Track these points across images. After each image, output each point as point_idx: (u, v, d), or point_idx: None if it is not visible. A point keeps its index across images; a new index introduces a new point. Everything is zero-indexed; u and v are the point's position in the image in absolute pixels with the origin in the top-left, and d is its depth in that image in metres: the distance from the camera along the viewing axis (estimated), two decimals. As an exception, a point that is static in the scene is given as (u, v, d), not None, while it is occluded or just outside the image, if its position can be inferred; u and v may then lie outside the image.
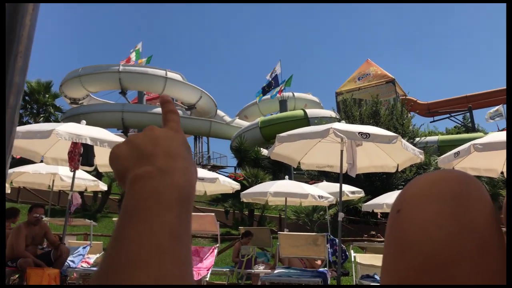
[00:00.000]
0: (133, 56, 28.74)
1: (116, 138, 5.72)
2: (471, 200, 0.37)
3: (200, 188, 9.48)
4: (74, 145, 5.77)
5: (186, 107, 28.85)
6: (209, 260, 6.08)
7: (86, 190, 9.63)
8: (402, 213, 0.38)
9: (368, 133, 5.13)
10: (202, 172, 8.88)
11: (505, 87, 28.42)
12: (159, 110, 26.52)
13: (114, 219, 7.79)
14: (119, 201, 15.14)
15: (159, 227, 0.35)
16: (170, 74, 26.85)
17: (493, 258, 0.34)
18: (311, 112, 23.32)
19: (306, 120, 21.59)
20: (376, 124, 16.01)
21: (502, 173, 6.74)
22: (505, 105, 26.56)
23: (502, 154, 6.34)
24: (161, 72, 26.65)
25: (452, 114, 30.57)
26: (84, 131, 5.44)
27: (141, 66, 27.57)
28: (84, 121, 6.11)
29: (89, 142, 5.31)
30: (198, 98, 28.16)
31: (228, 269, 7.10)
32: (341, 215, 5.42)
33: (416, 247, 0.35)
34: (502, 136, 5.71)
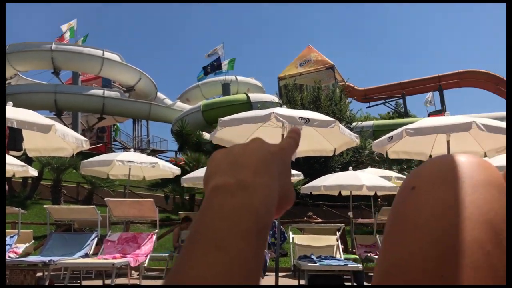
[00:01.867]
0: (67, 34, 27.17)
1: (47, 121, 5.39)
2: (493, 191, 0.36)
3: (139, 173, 9.25)
4: None
5: (125, 89, 27.85)
6: (148, 246, 5.96)
7: (14, 176, 9.05)
8: (417, 190, 0.37)
9: (308, 118, 5.23)
10: (141, 157, 8.66)
11: (436, 75, 30.15)
12: (95, 91, 25.44)
13: (45, 206, 7.40)
14: (52, 187, 14.41)
15: (233, 258, 0.32)
16: (108, 54, 25.71)
17: (504, 248, 0.33)
18: (254, 96, 23.39)
19: (248, 104, 21.62)
20: (317, 109, 16.38)
21: (430, 156, 7.16)
22: (435, 92, 28.20)
23: (431, 138, 6.72)
24: (98, 52, 25.45)
25: (387, 100, 32.00)
26: (11, 113, 5.07)
27: (76, 45, 26.14)
28: (11, 103, 5.69)
29: (15, 125, 4.96)
30: (137, 80, 27.25)
31: (167, 255, 7.01)
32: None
33: (428, 228, 0.34)
34: (432, 121, 6.04)
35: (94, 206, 7.04)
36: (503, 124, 5.84)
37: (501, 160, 6.83)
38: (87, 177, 13.66)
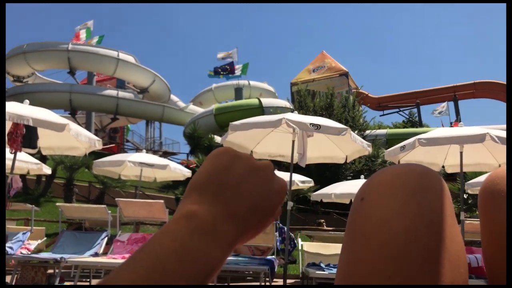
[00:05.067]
0: (83, 34, 27.54)
1: (62, 120, 5.46)
2: (433, 195, 0.38)
3: (150, 174, 9.31)
4: (16, 126, 5.46)
5: (139, 90, 28.09)
6: (157, 247, 5.99)
7: (28, 173, 9.19)
8: (366, 201, 0.39)
9: (319, 125, 5.22)
10: (152, 158, 8.72)
11: (451, 85, 29.86)
12: (109, 92, 25.70)
13: (58, 204, 7.48)
14: (64, 185, 14.57)
15: None
16: (122, 56, 25.98)
17: (448, 250, 0.35)
18: (266, 101, 23.41)
19: (260, 109, 21.66)
20: (329, 116, 16.32)
21: (443, 167, 7.09)
22: (450, 102, 27.93)
23: (444, 149, 6.66)
24: (113, 53, 25.74)
25: (401, 109, 31.75)
26: (27, 111, 5.15)
27: (92, 45, 26.48)
28: (27, 101, 5.78)
29: (31, 123, 5.04)
30: (151, 82, 27.48)
31: (176, 257, 7.03)
32: (290, 204, 5.50)
33: (376, 234, 0.36)
34: (445, 132, 5.99)
35: (105, 206, 7.11)
36: (518, 137, 5.75)
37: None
38: (99, 177, 13.79)
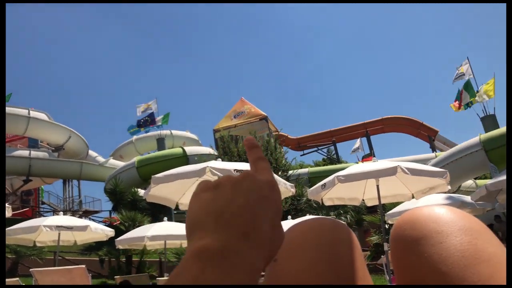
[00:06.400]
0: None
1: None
2: (343, 248, 0.39)
3: (69, 237, 8.69)
4: None
5: (53, 148, 26.58)
6: (80, 318, 5.52)
7: None
8: (278, 262, 0.40)
9: (243, 170, 5.29)
10: (71, 220, 8.17)
11: (362, 122, 31.98)
12: (20, 153, 24.02)
13: None
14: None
15: None
16: (34, 113, 24.62)
17: None
18: (190, 149, 23.27)
19: (185, 158, 21.44)
20: (252, 159, 16.51)
21: (363, 200, 7.44)
22: (363, 138, 29.77)
23: (362, 183, 7.03)
24: (23, 112, 24.30)
25: (319, 148, 33.24)
26: None
27: (-2, 104, 24.86)
28: None
29: None
30: (66, 139, 26.18)
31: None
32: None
33: None
34: (360, 167, 6.34)
35: (17, 278, 6.47)
36: (425, 167, 6.26)
37: (427, 201, 7.22)
38: (10, 246, 12.56)
